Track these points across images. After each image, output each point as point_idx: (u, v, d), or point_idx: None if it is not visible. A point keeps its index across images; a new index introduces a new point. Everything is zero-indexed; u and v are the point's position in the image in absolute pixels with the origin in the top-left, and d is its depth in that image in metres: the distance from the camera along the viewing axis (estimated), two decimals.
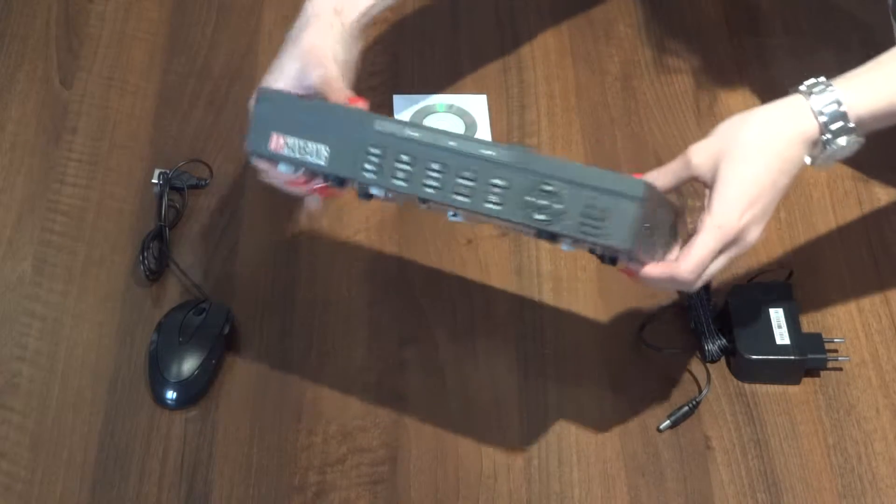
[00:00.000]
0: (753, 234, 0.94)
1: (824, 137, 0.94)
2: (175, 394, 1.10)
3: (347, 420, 1.10)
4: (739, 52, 1.39)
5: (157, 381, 1.11)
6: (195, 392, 1.11)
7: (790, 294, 1.15)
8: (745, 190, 0.93)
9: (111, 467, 1.07)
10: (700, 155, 0.95)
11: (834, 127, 0.94)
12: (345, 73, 1.03)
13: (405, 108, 1.33)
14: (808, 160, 0.96)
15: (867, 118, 0.95)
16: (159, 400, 1.11)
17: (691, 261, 0.93)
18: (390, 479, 1.07)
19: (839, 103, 0.93)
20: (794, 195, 1.26)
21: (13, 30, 1.41)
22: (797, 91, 0.95)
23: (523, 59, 1.39)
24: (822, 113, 0.93)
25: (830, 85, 0.94)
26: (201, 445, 1.08)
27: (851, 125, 0.94)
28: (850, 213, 1.25)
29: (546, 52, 1.40)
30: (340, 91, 1.00)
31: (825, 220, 1.24)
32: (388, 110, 1.33)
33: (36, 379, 1.12)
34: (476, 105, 1.32)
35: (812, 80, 0.95)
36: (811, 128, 0.94)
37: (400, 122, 0.94)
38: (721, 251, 0.94)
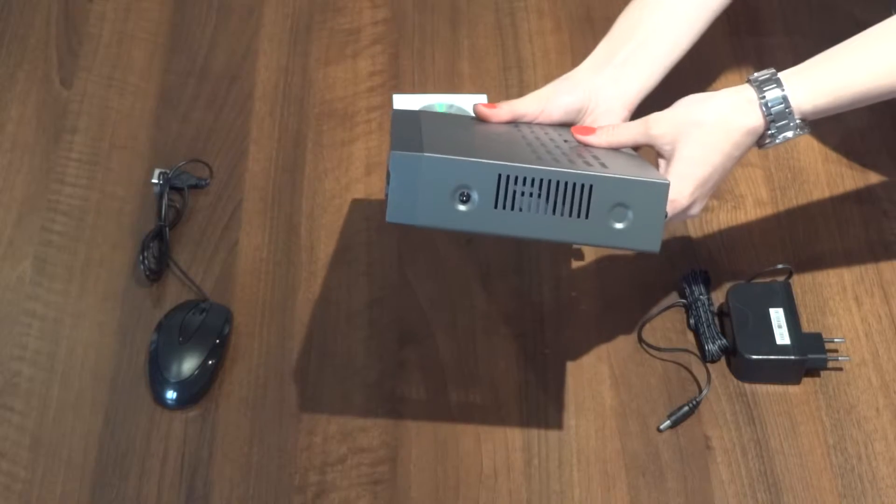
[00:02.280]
0: (696, 209, 1.03)
1: (770, 132, 1.02)
2: (175, 394, 1.10)
3: (347, 420, 1.10)
4: (739, 52, 1.39)
5: (157, 381, 1.11)
6: (195, 392, 1.11)
7: (790, 294, 1.15)
8: (699, 171, 1.01)
9: (111, 467, 1.07)
10: (660, 127, 1.03)
11: (779, 123, 1.02)
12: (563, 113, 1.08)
13: (405, 107, 1.33)
14: (756, 147, 1.04)
15: (811, 114, 1.02)
16: (159, 400, 1.11)
17: None
18: (390, 479, 1.07)
19: (786, 102, 1.01)
20: (794, 195, 1.26)
21: (13, 30, 1.41)
22: (749, 83, 1.02)
23: (523, 59, 1.39)
24: (769, 112, 1.01)
25: (780, 82, 1.01)
26: (201, 445, 1.08)
27: (796, 121, 1.02)
28: (850, 212, 1.25)
29: (546, 52, 1.40)
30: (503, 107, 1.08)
31: (825, 220, 1.24)
32: (388, 110, 1.33)
33: (36, 379, 1.12)
34: None
35: (764, 75, 1.02)
36: (759, 123, 1.02)
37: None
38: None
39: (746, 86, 1.03)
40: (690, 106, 1.03)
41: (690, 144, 1.01)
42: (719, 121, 1.01)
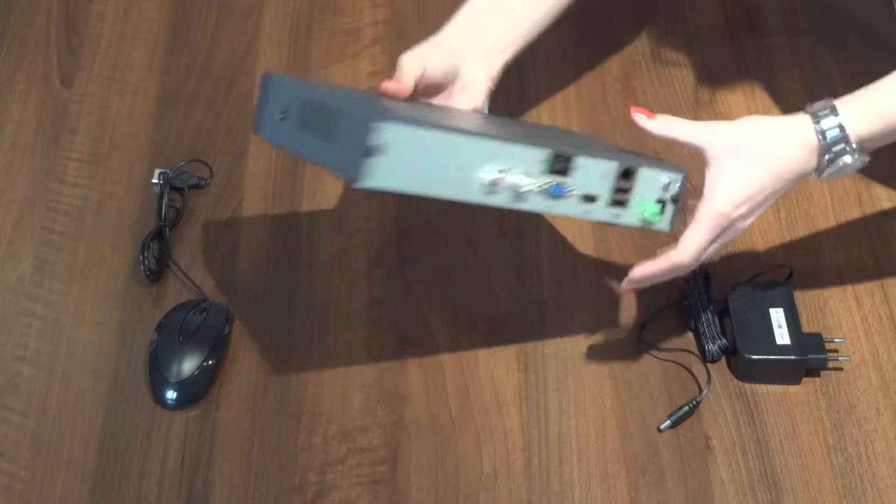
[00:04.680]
0: (744, 224, 1.03)
1: (827, 157, 1.02)
2: (175, 394, 1.10)
3: (347, 420, 1.10)
4: (739, 52, 1.39)
5: (157, 381, 1.11)
6: (195, 392, 1.11)
7: (790, 294, 1.15)
8: (745, 188, 1.01)
9: (111, 467, 1.07)
10: (720, 137, 1.03)
11: (836, 149, 1.02)
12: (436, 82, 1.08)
13: None
14: (814, 175, 1.04)
15: (868, 139, 1.02)
16: (159, 400, 1.11)
17: (691, 247, 1.02)
18: (390, 479, 1.07)
19: (842, 128, 1.01)
20: (794, 195, 1.26)
21: (13, 30, 1.41)
22: (806, 112, 1.03)
23: (523, 59, 1.38)
24: (825, 137, 1.01)
25: (836, 109, 1.02)
26: (201, 445, 1.08)
27: (853, 147, 1.02)
28: (850, 212, 1.25)
29: (546, 52, 1.39)
30: (405, 82, 1.06)
31: (825, 220, 1.24)
32: None
33: (36, 379, 1.12)
34: None
35: (820, 104, 1.02)
36: (815, 148, 1.02)
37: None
38: (715, 238, 1.03)
39: (803, 113, 1.03)
40: (749, 126, 1.03)
41: (739, 162, 1.01)
42: (772, 144, 1.02)
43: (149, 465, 1.07)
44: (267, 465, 1.07)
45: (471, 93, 1.10)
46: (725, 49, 1.39)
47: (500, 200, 0.97)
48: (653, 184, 1.02)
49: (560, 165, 0.98)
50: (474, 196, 0.96)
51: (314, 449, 1.08)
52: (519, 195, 0.97)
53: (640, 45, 1.39)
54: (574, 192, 0.99)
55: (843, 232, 1.23)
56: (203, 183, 1.26)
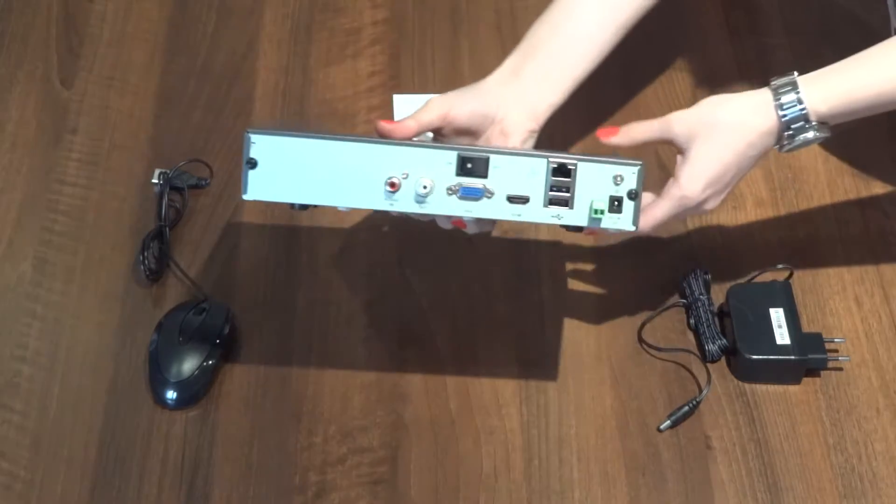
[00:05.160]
0: (711, 204, 1.06)
1: (787, 133, 1.04)
2: (175, 394, 1.10)
3: (347, 420, 1.10)
4: (739, 52, 1.39)
5: (157, 381, 1.11)
6: (195, 392, 1.11)
7: (790, 294, 1.15)
8: (711, 168, 1.04)
9: (111, 467, 1.07)
10: (680, 125, 1.05)
11: (795, 126, 1.03)
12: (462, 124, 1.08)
13: (405, 107, 1.33)
14: (776, 148, 1.06)
15: (828, 117, 1.04)
16: (159, 400, 1.11)
17: (650, 222, 1.04)
18: (390, 479, 1.07)
19: (802, 107, 1.03)
20: (794, 195, 1.26)
21: (13, 30, 1.41)
22: (769, 87, 1.04)
23: None
24: (784, 115, 1.03)
25: (797, 86, 1.03)
26: (201, 445, 1.08)
27: (812, 124, 1.03)
28: (851, 212, 1.25)
29: None
30: (407, 121, 1.06)
31: (825, 220, 1.24)
32: (388, 110, 1.33)
33: (36, 379, 1.12)
34: None
35: (783, 80, 1.04)
36: (774, 125, 1.04)
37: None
38: (677, 216, 1.06)
39: (766, 89, 1.05)
40: (710, 106, 1.05)
41: (705, 143, 1.04)
42: (735, 121, 1.04)
43: (149, 465, 1.07)
44: (267, 465, 1.07)
45: (508, 136, 1.09)
46: (725, 48, 1.39)
47: (406, 206, 0.97)
48: (599, 179, 0.97)
49: (472, 166, 0.96)
50: (377, 203, 0.96)
51: (314, 449, 1.08)
52: (423, 199, 0.96)
53: (640, 46, 1.38)
54: (496, 193, 0.97)
55: (842, 231, 1.23)
56: (203, 183, 1.26)
